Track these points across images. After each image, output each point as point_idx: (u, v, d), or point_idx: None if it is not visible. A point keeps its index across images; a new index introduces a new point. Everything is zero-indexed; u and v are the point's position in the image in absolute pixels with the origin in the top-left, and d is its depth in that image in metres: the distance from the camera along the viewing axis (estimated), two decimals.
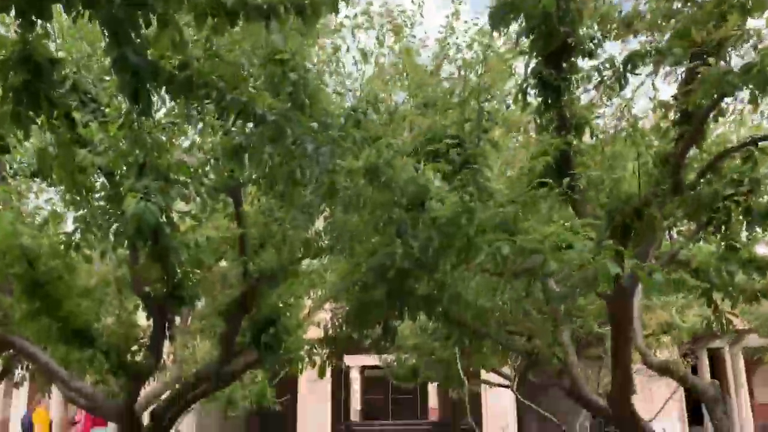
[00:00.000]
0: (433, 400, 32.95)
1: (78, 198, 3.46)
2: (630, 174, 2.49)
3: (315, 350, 4.76)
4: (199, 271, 4.37)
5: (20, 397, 12.91)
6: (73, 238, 3.89)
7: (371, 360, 29.99)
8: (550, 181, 2.36)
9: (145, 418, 4.74)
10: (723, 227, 3.15)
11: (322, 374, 4.65)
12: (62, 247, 3.87)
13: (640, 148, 2.38)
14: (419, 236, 2.29)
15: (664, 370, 3.83)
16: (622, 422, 3.07)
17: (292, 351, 4.89)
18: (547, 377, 7.88)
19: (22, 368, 7.55)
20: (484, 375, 8.54)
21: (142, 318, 4.78)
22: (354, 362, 31.85)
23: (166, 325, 4.20)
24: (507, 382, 9.35)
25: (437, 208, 2.21)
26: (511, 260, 2.13)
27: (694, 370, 13.21)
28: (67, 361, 4.78)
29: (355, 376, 34.47)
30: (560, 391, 10.75)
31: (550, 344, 3.17)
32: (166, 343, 4.96)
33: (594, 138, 2.69)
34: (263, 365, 4.75)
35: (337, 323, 4.23)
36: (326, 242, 3.86)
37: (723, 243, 3.25)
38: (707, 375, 13.84)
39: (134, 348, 4.27)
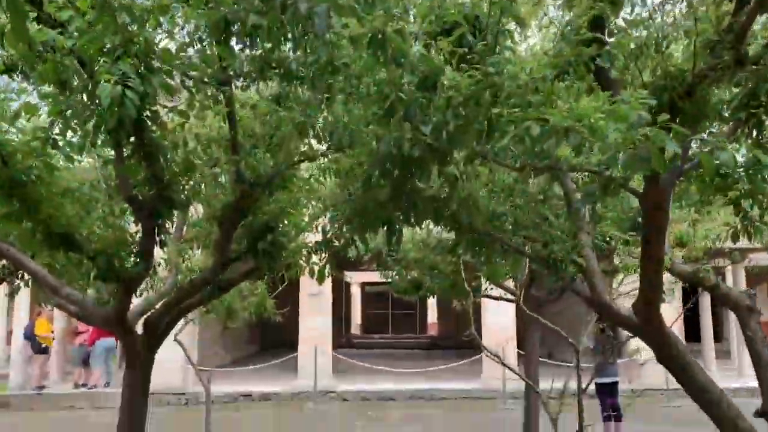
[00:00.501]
0: (432, 317, 33.73)
1: (52, 87, 3.12)
2: (683, 46, 2.16)
3: (314, 253, 4.53)
4: (190, 174, 4.08)
5: (23, 309, 12.97)
6: (49, 133, 3.58)
7: (372, 276, 30.38)
8: (583, 57, 2.04)
9: (140, 328, 4.60)
10: (760, 127, 2.84)
11: (321, 279, 4.46)
12: (38, 143, 3.57)
13: (697, 13, 2.04)
14: (431, 119, 1.99)
15: (693, 279, 3.63)
16: (649, 333, 2.86)
17: (291, 257, 4.69)
18: (547, 293, 7.81)
19: (17, 278, 7.36)
20: (487, 292, 8.42)
21: (132, 224, 4.54)
22: (355, 278, 32.36)
23: (156, 229, 3.95)
24: (510, 297, 9.29)
25: (453, 84, 1.89)
26: (536, 148, 1.84)
27: None
28: (54, 268, 4.58)
29: (356, 292, 35.04)
30: (560, 306, 10.63)
31: (569, 251, 2.92)
32: (160, 251, 4.74)
33: (633, 12, 2.33)
34: (261, 274, 4.56)
35: (336, 227, 3.98)
36: (325, 141, 3.55)
37: (757, 145, 2.95)
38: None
39: (124, 254, 4.03)
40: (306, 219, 4.82)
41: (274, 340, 20.74)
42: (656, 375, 12.41)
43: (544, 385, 12.43)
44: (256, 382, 13.44)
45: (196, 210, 5.27)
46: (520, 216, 3.05)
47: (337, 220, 4.10)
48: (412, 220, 2.90)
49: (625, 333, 8.05)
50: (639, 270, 2.70)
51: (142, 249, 4.00)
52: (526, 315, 7.52)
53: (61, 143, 3.58)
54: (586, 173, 3.00)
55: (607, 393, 8.24)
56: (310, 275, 4.74)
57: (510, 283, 8.15)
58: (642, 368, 12.75)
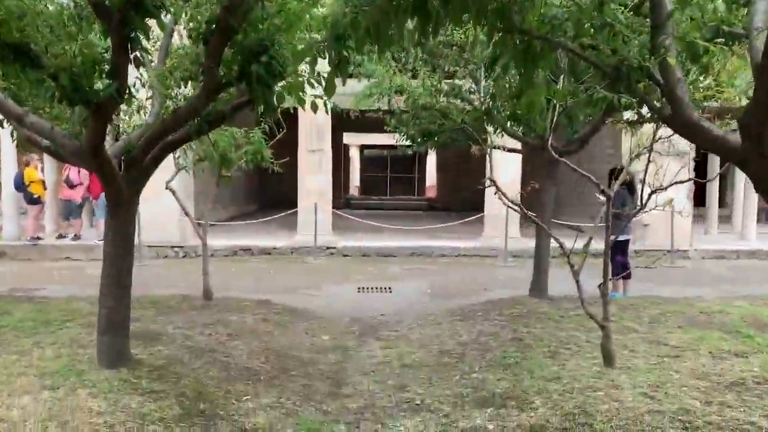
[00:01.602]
0: (430, 180, 33.59)
1: None
2: None
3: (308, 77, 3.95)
4: None
5: (10, 159, 12.49)
6: None
7: (371, 139, 29.65)
8: None
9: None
10: None
11: (315, 108, 3.94)
12: None
13: None
14: None
15: None
16: (754, 160, 2.33)
17: (287, 89, 4.09)
18: (567, 143, 7.28)
19: None
20: (497, 143, 7.90)
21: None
22: (353, 141, 31.80)
23: (129, 44, 3.33)
24: (519, 147, 8.81)
25: None
26: None
27: None
28: (18, 97, 4.02)
29: (354, 155, 34.64)
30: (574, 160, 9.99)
31: (646, 57, 2.34)
32: (137, 72, 4.15)
33: None
34: (254, 104, 3.99)
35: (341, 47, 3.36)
36: None
37: None
38: None
39: (93, 73, 3.44)
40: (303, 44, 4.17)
41: (274, 199, 20.59)
42: (661, 236, 12.30)
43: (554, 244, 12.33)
44: (256, 237, 13.33)
45: (181, 35, 4.60)
46: (583, 15, 2.42)
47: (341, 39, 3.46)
48: (446, 16, 2.30)
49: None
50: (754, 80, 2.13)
51: (112, 66, 3.40)
52: (544, 167, 7.07)
53: None
54: None
55: (620, 251, 8.01)
56: (313, 109, 4.20)
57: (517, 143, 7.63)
58: (646, 229, 12.62)
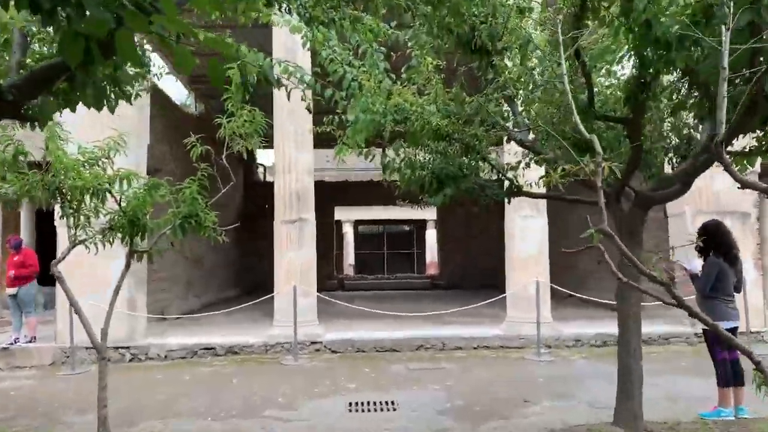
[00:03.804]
0: (430, 255, 31.20)
1: None
2: None
3: None
4: None
5: None
6: None
7: (365, 214, 27.45)
8: None
9: None
10: None
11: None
12: None
13: None
14: None
15: None
16: None
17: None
18: (657, 185, 4.94)
19: None
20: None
21: None
22: (346, 216, 29.58)
23: None
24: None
25: None
26: None
27: None
28: None
29: (348, 231, 32.32)
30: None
31: None
32: None
33: None
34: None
35: None
36: None
37: None
38: None
39: None
40: None
41: (259, 282, 17.99)
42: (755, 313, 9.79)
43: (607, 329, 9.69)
44: (223, 331, 10.76)
45: None
46: None
47: None
48: None
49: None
50: None
51: None
52: (624, 222, 4.69)
53: None
54: None
55: (724, 345, 5.51)
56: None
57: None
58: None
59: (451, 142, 4.34)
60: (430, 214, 27.09)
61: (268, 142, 6.54)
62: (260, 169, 23.79)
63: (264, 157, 23.68)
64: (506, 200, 5.02)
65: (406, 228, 32.57)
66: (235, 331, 10.78)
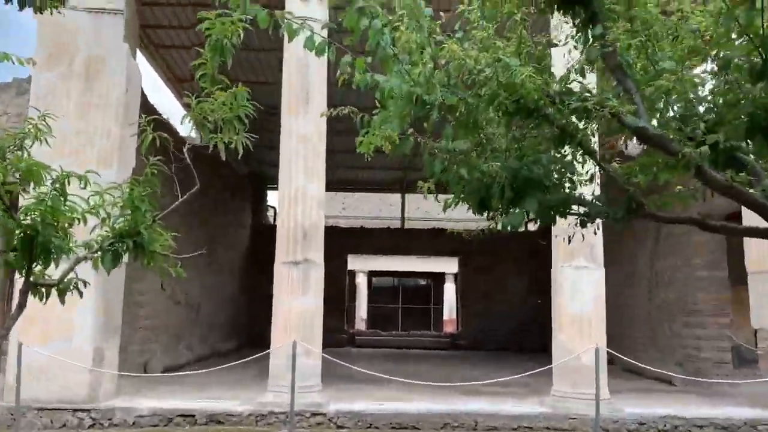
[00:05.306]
0: (448, 312, 29.12)
1: None
2: None
3: None
4: None
5: None
6: None
7: (380, 264, 25.57)
8: None
9: None
10: None
11: None
12: None
13: None
14: None
15: None
16: None
17: None
18: None
19: None
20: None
21: None
22: (360, 266, 27.77)
23: None
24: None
25: None
26: None
27: None
28: None
29: (361, 282, 30.40)
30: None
31: None
32: None
33: None
34: None
35: None
36: None
37: None
38: None
39: None
40: None
41: (262, 333, 16.10)
42: None
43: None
44: (207, 394, 8.92)
45: None
46: None
47: None
48: None
49: None
50: None
51: None
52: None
53: None
54: None
55: None
56: None
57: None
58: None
59: (539, 122, 2.67)
60: (449, 266, 25.27)
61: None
62: (270, 213, 22.28)
63: (274, 199, 22.22)
64: (617, 225, 3.29)
65: (423, 282, 30.68)
66: (222, 393, 8.93)
